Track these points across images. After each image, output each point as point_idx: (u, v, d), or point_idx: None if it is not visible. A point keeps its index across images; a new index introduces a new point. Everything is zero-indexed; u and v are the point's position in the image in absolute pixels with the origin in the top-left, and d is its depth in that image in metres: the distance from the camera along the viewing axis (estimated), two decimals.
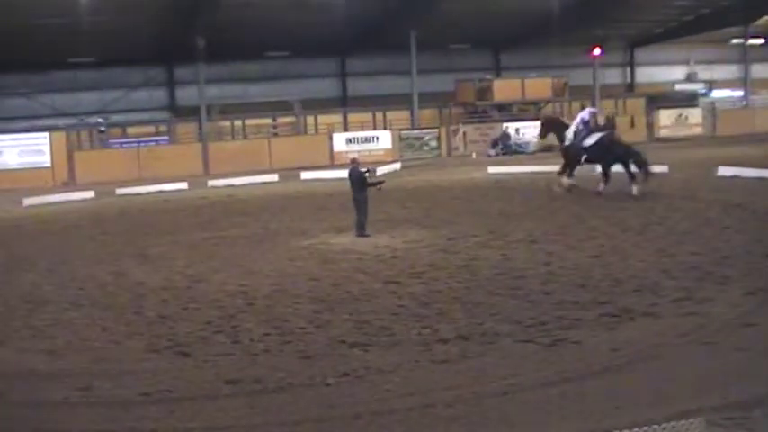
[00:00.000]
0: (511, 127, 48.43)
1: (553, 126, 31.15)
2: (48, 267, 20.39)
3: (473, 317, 13.68)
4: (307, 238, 22.38)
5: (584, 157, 28.40)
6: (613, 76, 60.16)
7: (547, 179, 31.09)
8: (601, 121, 29.71)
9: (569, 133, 29.08)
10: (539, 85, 50.94)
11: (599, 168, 28.56)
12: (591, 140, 28.06)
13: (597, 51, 49.34)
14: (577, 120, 29.47)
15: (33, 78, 49.49)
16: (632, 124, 50.52)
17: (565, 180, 28.94)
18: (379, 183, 23.31)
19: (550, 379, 10.72)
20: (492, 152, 47.18)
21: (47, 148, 42.43)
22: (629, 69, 62.68)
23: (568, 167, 29.03)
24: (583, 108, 32.56)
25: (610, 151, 27.68)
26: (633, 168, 27.26)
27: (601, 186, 27.68)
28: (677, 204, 25.46)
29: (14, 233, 26.81)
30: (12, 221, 29.45)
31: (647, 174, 27.04)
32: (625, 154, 27.63)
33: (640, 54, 62.38)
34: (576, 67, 53.25)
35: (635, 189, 26.73)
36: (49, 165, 42.34)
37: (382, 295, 15.62)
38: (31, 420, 10.31)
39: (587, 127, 28.66)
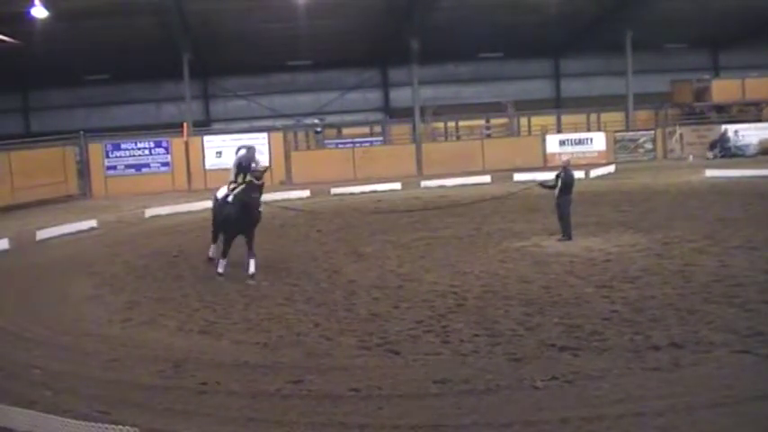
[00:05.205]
0: (730, 129, 46.80)
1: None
2: (265, 264, 20.88)
3: (687, 324, 13.37)
4: (518, 240, 22.35)
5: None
6: None
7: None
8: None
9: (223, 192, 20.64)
10: (760, 86, 48.79)
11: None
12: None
13: None
14: (233, 163, 21.29)
15: (254, 81, 51.81)
16: None
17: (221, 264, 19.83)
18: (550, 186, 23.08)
19: None
20: (710, 155, 45.74)
21: (265, 148, 43.66)
22: None
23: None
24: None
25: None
26: None
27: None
28: None
29: None
30: None
31: None
32: None
33: None
34: None
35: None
36: (267, 164, 43.48)
37: (594, 299, 15.47)
38: (246, 409, 10.74)
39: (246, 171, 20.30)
